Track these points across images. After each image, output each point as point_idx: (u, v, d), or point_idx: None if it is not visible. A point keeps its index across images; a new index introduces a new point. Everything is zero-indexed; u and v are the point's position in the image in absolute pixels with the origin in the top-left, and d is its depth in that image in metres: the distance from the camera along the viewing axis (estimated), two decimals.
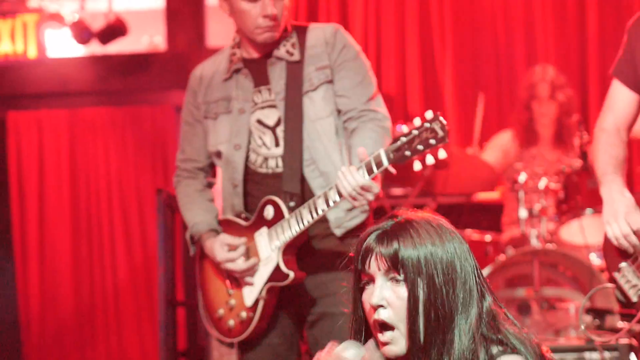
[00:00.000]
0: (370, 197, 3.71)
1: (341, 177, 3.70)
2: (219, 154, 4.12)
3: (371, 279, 2.48)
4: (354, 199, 3.71)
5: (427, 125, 3.54)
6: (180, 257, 6.15)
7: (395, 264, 2.43)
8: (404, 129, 3.61)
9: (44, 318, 6.32)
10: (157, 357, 5.96)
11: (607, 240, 3.71)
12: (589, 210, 5.75)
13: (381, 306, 2.45)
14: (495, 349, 2.44)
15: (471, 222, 6.43)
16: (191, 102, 4.20)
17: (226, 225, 4.11)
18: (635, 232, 3.58)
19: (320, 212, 3.80)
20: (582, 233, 5.55)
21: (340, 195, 3.72)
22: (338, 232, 3.97)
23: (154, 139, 6.58)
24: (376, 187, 3.70)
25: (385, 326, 2.45)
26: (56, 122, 6.62)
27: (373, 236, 2.48)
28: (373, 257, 2.47)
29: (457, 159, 6.24)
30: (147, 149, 6.19)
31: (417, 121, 3.58)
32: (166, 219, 5.72)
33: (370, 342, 2.53)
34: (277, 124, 4.02)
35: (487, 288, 2.52)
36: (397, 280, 2.44)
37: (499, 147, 6.47)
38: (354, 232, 3.95)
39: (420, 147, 3.56)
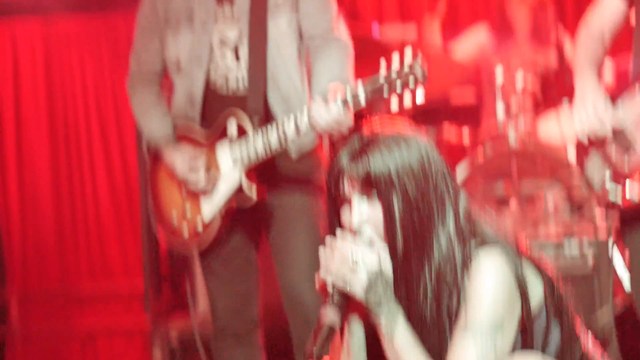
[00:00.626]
0: (344, 130, 3.72)
1: (316, 109, 3.69)
2: (177, 65, 4.06)
3: (347, 201, 2.51)
4: (327, 131, 3.73)
5: (406, 67, 3.52)
6: None
7: (368, 183, 2.46)
8: (383, 67, 3.57)
9: (24, 229, 6.34)
10: (140, 267, 6.03)
11: (578, 129, 3.75)
12: (565, 100, 5.76)
13: (361, 224, 2.48)
14: (474, 244, 2.48)
15: (448, 117, 6.40)
16: (149, 7, 4.10)
17: (183, 138, 4.08)
18: (601, 122, 3.62)
19: (289, 139, 3.79)
20: (560, 127, 5.59)
21: (311, 124, 3.72)
22: (294, 155, 3.98)
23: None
24: (350, 122, 3.69)
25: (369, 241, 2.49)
26: (30, 33, 6.54)
27: (343, 157, 2.50)
28: (346, 179, 2.50)
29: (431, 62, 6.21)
30: (124, 58, 6.14)
31: (395, 60, 3.55)
32: None
33: None
34: (239, 42, 3.98)
35: (459, 185, 2.56)
36: (373, 198, 2.48)
37: (473, 42, 6.40)
38: (309, 154, 4.00)
39: (398, 87, 3.54)
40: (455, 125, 6.16)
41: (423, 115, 6.31)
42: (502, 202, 5.60)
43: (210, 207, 4.01)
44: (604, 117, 3.60)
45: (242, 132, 3.94)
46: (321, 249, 2.49)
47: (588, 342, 2.61)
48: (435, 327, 2.47)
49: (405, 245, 2.45)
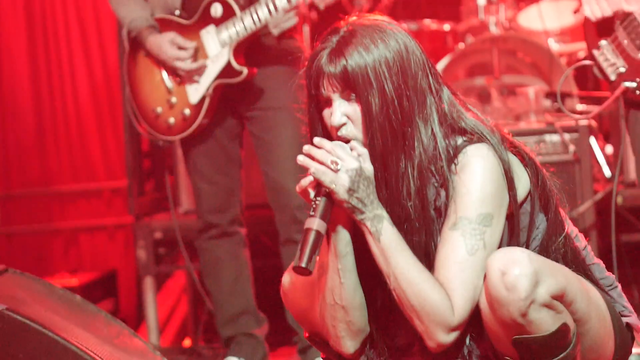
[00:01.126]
0: None
1: None
2: None
3: (328, 100, 2.49)
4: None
5: None
6: None
7: (346, 82, 2.44)
8: None
9: (4, 128, 6.29)
10: (121, 160, 6.03)
11: (587, 19, 3.72)
12: None
13: (343, 124, 2.47)
14: (460, 140, 2.48)
15: (429, 13, 6.38)
16: None
17: (164, 25, 4.08)
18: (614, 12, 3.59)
19: (280, 7, 3.82)
20: (541, 18, 5.57)
21: None
22: (275, 31, 3.98)
23: None
24: None
25: (349, 141, 2.48)
26: None
27: (322, 57, 2.47)
28: (325, 79, 2.47)
29: None
30: None
31: None
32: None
33: None
34: None
35: (442, 78, 2.54)
36: (352, 97, 2.46)
37: None
38: (289, 32, 4.01)
39: None
40: (436, 21, 6.11)
41: (404, 11, 6.27)
42: (484, 96, 5.59)
43: (198, 90, 4.03)
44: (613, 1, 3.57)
45: (227, 14, 3.94)
46: (300, 156, 2.45)
47: (573, 234, 2.63)
48: (421, 224, 2.47)
49: (385, 143, 2.44)
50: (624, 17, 3.58)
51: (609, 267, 2.75)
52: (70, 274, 5.83)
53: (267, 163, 4.11)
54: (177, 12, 4.07)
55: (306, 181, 2.44)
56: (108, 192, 6.34)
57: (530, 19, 5.82)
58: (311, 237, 2.37)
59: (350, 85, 2.44)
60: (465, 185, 2.43)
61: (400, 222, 2.46)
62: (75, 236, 6.36)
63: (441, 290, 2.39)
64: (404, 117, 2.44)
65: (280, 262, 4.17)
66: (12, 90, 6.25)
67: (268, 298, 4.64)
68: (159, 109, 4.12)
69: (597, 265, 2.67)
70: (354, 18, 2.53)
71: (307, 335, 2.76)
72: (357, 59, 2.43)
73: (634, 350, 2.73)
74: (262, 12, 3.86)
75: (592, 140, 4.79)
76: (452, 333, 2.40)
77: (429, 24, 6.08)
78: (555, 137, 4.71)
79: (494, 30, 5.70)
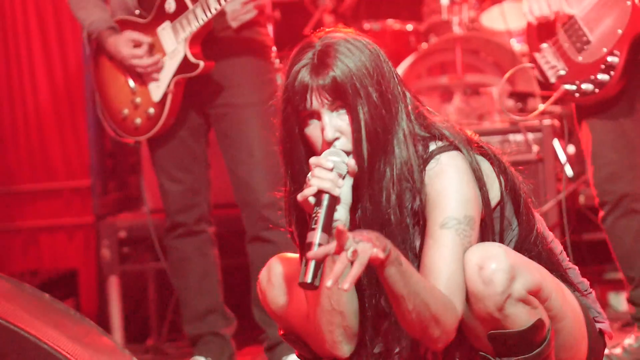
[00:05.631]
0: None
1: None
2: None
3: (314, 115, 2.48)
4: None
5: None
6: None
7: (336, 93, 2.43)
8: None
9: None
10: (81, 160, 5.98)
11: (530, 23, 3.78)
12: None
13: (336, 139, 2.46)
14: (432, 145, 2.50)
15: (392, 13, 6.41)
16: None
17: (124, 25, 4.09)
18: (554, 13, 3.65)
19: None
20: (503, 18, 5.62)
21: None
22: (234, 24, 4.00)
23: None
24: None
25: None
26: None
27: (304, 72, 2.46)
28: (313, 93, 2.45)
29: None
30: None
31: None
32: None
33: None
34: None
35: (405, 86, 2.56)
36: (342, 108, 2.46)
37: None
38: (248, 26, 4.03)
39: None
40: (399, 21, 6.14)
41: (367, 11, 6.30)
42: (447, 95, 5.63)
43: (159, 87, 4.03)
44: (554, 2, 3.62)
45: (180, 8, 3.94)
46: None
47: (549, 238, 2.66)
48: (399, 229, 2.48)
49: (371, 150, 2.45)
50: (566, 20, 3.64)
51: None
52: (31, 273, 5.78)
53: (233, 160, 4.10)
54: (137, 11, 4.06)
55: (309, 191, 2.41)
56: (67, 192, 6.29)
57: (492, 19, 5.87)
58: (315, 256, 2.28)
59: (340, 95, 2.44)
60: (445, 189, 2.44)
61: (380, 226, 2.46)
62: (35, 236, 6.30)
63: (439, 288, 2.39)
64: (386, 124, 2.46)
65: (247, 260, 4.16)
66: None
67: (235, 296, 4.65)
68: (126, 111, 4.11)
69: (572, 270, 2.70)
70: (323, 33, 2.54)
71: (281, 332, 2.76)
72: (342, 67, 2.44)
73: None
74: (212, 3, 3.84)
75: (555, 141, 4.84)
76: (457, 325, 2.42)
77: (392, 24, 6.10)
78: (518, 137, 4.76)
79: (457, 30, 5.74)
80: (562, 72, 3.68)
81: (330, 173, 2.40)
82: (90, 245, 6.13)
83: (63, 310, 3.24)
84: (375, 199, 2.47)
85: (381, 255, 2.23)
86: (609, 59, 3.54)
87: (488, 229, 2.52)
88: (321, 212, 2.36)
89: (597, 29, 3.59)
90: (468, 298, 2.40)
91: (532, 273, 2.43)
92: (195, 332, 4.24)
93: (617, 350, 3.79)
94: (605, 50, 3.56)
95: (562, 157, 4.93)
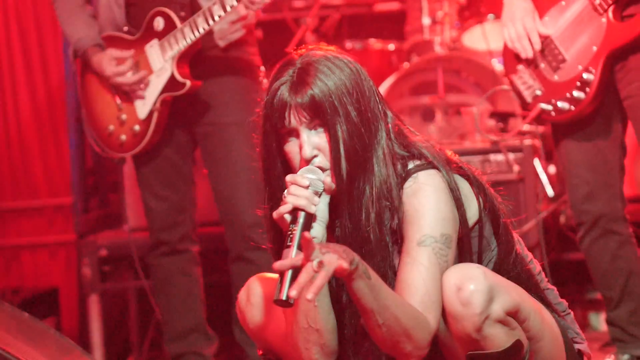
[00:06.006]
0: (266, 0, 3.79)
1: None
2: None
3: (293, 132, 2.49)
4: (252, 3, 3.76)
5: None
6: None
7: (315, 111, 2.44)
8: None
9: None
10: (63, 177, 5.96)
11: (506, 44, 3.82)
12: (490, 16, 5.83)
13: (314, 156, 2.48)
14: (410, 164, 2.51)
15: (374, 32, 6.44)
16: None
17: (110, 42, 4.08)
18: (529, 36, 3.69)
19: (216, 18, 3.81)
20: (485, 39, 5.65)
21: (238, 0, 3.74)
22: (221, 43, 4.01)
23: None
24: None
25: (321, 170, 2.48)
26: None
27: (284, 90, 2.47)
28: (292, 111, 2.47)
29: None
30: None
31: None
32: None
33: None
34: None
35: (386, 105, 2.57)
36: (320, 127, 2.47)
37: None
38: (236, 45, 4.03)
39: None
40: (381, 40, 6.17)
41: (349, 30, 6.33)
42: (428, 115, 5.65)
43: (145, 104, 4.02)
44: (532, 32, 3.67)
45: (168, 27, 3.95)
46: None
47: (527, 258, 2.67)
48: (378, 247, 2.48)
49: (350, 169, 2.46)
50: (542, 40, 3.68)
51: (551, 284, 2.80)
52: (12, 291, 5.76)
53: (217, 179, 4.09)
54: (125, 28, 4.06)
55: (284, 208, 2.42)
56: (50, 210, 6.26)
57: (474, 40, 5.91)
58: (289, 272, 2.28)
59: (318, 114, 2.45)
60: (422, 207, 2.45)
61: (361, 247, 2.47)
62: (17, 253, 6.28)
63: (410, 303, 2.39)
64: (365, 143, 2.47)
65: (229, 280, 4.16)
66: None
67: (218, 314, 4.64)
68: (111, 127, 4.11)
69: (551, 290, 2.72)
70: (304, 51, 2.55)
71: (260, 352, 2.76)
72: (321, 86, 2.45)
73: None
74: (201, 22, 3.85)
75: (536, 161, 4.87)
76: (431, 342, 2.41)
77: (374, 43, 6.14)
78: (499, 157, 4.77)
79: (438, 50, 5.77)
80: (538, 92, 3.72)
81: (306, 191, 2.41)
82: (72, 263, 6.10)
83: (43, 329, 3.25)
84: (355, 217, 2.48)
85: (347, 267, 2.24)
86: (585, 75, 3.58)
87: (466, 248, 2.53)
88: (297, 230, 2.37)
89: (573, 47, 3.62)
90: (446, 319, 2.41)
91: (511, 294, 2.44)
92: (176, 350, 4.23)
93: None
94: (580, 67, 3.60)
95: (543, 177, 4.95)
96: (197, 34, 3.86)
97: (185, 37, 3.89)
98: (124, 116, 4.08)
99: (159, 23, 3.97)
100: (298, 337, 2.55)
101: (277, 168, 2.55)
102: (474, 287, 2.37)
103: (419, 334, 2.37)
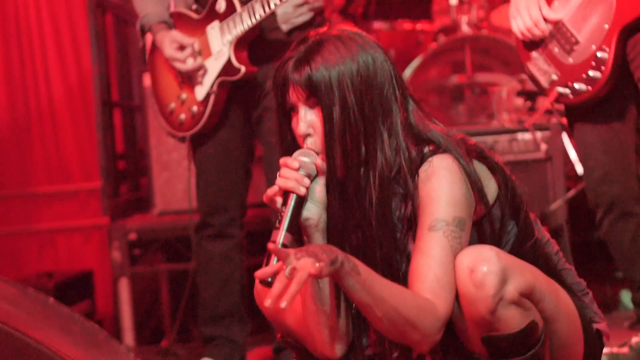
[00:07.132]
0: None
1: None
2: None
3: (294, 108, 2.50)
4: None
5: None
6: (114, 58, 6.11)
7: (310, 90, 2.45)
8: None
9: None
10: (96, 161, 6.01)
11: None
12: None
13: (308, 134, 2.48)
14: (426, 149, 2.49)
15: (402, 12, 6.42)
16: None
17: (178, 19, 4.11)
18: (536, 23, 3.66)
19: (272, 6, 3.80)
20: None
21: None
22: (285, 27, 3.99)
23: None
24: None
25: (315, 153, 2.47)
26: None
27: (289, 65, 2.48)
28: (291, 87, 2.48)
29: None
30: None
31: None
32: (97, 19, 5.64)
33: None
34: None
35: (408, 91, 2.55)
36: (317, 105, 2.47)
37: None
38: (300, 28, 3.99)
39: None
40: (409, 20, 6.15)
41: (377, 10, 6.30)
42: (457, 94, 5.63)
43: (203, 87, 4.03)
44: (539, 20, 3.64)
45: (229, 9, 3.95)
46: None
47: (544, 239, 2.66)
48: (383, 234, 2.47)
49: (345, 152, 2.44)
50: (553, 25, 3.65)
51: (577, 264, 2.78)
52: (47, 275, 5.82)
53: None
54: (194, 6, 4.09)
55: (271, 190, 2.44)
56: (84, 193, 6.32)
57: (502, 18, 5.86)
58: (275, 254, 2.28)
59: (314, 92, 2.45)
60: (435, 191, 2.43)
61: (361, 231, 2.47)
62: (52, 238, 6.35)
63: (414, 292, 2.39)
64: (365, 127, 2.45)
65: None
66: None
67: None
68: (172, 105, 4.14)
69: (568, 270, 2.70)
70: (323, 29, 2.55)
71: (279, 336, 2.77)
72: (320, 67, 2.44)
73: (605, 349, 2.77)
74: (258, 9, 3.83)
75: (565, 138, 4.83)
76: (442, 327, 2.40)
77: (402, 23, 6.11)
78: (527, 136, 4.74)
79: (465, 29, 5.74)
80: (555, 77, 3.69)
81: (295, 172, 2.42)
82: (106, 246, 6.16)
83: (68, 314, 3.27)
84: (352, 202, 2.46)
85: (326, 269, 2.22)
86: (599, 54, 3.55)
87: (485, 230, 2.52)
88: (286, 212, 2.38)
89: (585, 28, 3.59)
90: (460, 301, 2.40)
91: (525, 275, 2.42)
92: (209, 333, 4.25)
93: (625, 349, 3.79)
94: (594, 47, 3.57)
95: (572, 154, 4.92)
96: (254, 20, 3.85)
97: (243, 22, 3.89)
98: (184, 95, 4.09)
99: (221, 5, 3.97)
100: (309, 320, 2.56)
101: (288, 142, 2.56)
102: (487, 268, 2.35)
103: (424, 322, 2.35)
